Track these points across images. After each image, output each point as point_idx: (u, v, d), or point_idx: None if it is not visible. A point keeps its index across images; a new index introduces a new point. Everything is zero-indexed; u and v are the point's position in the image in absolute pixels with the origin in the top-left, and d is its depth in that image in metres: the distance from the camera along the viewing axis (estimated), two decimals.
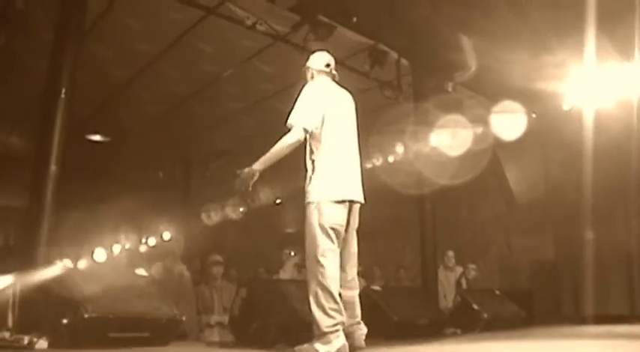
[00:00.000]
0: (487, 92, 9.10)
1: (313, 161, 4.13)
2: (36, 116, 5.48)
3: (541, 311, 9.31)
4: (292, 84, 8.47)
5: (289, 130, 4.05)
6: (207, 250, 8.34)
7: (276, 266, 8.85)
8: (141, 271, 5.27)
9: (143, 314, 4.49)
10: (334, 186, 4.05)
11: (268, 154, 4.02)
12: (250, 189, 4.01)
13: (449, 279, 9.36)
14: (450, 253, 9.55)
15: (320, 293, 3.86)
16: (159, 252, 7.34)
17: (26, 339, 3.98)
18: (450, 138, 9.11)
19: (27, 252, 5.00)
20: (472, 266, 9.68)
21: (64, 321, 4.09)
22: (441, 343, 4.96)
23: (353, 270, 4.19)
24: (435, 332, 6.42)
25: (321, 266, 3.91)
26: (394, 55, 7.94)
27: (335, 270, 3.95)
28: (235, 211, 11.97)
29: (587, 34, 7.13)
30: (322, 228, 3.96)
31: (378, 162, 10.37)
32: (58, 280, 4.45)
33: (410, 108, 8.25)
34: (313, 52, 4.59)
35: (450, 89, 8.20)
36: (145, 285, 5.03)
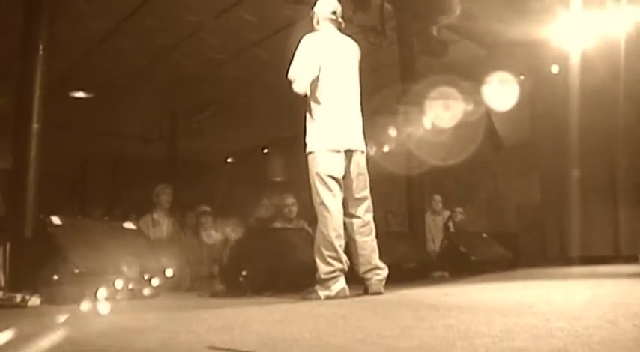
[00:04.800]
0: (472, 36, 9.01)
1: (309, 111, 4.21)
2: (16, 74, 5.40)
3: (527, 253, 9.45)
4: (275, 32, 8.49)
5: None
6: (196, 201, 8.38)
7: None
8: (129, 224, 5.28)
9: (133, 266, 4.52)
10: (329, 135, 4.12)
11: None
12: None
13: (436, 223, 9.45)
14: (438, 197, 9.62)
15: (320, 240, 4.01)
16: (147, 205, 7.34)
17: (19, 297, 4.00)
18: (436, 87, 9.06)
19: (15, 211, 5.01)
20: (459, 210, 9.78)
21: (55, 277, 4.12)
22: (429, 286, 5.04)
23: (365, 216, 4.26)
24: (422, 276, 6.52)
25: (321, 215, 4.06)
26: None
27: (334, 219, 4.04)
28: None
29: None
30: (319, 177, 4.08)
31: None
32: (47, 237, 4.46)
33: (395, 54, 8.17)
34: None
35: (434, 33, 8.10)
36: (134, 238, 5.06)
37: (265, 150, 14.59)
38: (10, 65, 5.48)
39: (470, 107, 9.86)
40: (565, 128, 8.84)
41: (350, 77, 4.36)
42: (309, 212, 8.39)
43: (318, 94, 4.16)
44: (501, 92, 9.35)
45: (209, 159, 15.01)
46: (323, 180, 4.06)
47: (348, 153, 4.18)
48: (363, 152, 4.31)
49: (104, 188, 14.51)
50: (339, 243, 4.02)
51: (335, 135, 4.13)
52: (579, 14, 7.72)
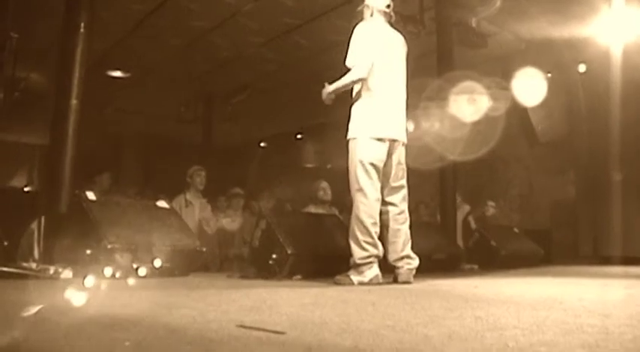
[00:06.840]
0: (512, 28, 8.87)
1: (358, 98, 4.29)
2: (56, 52, 5.50)
3: (559, 250, 9.33)
4: (313, 18, 8.48)
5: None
6: (229, 183, 8.43)
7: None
8: (162, 203, 5.34)
9: (165, 245, 4.58)
10: (376, 123, 4.21)
11: (336, 85, 4.29)
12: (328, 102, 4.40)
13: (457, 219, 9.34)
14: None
15: (355, 226, 4.08)
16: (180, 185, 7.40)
17: (52, 269, 4.08)
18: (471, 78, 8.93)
19: (51, 186, 5.10)
20: (491, 203, 9.66)
21: (88, 252, 4.19)
22: (458, 278, 5.02)
23: (401, 204, 4.36)
24: (452, 268, 6.50)
25: (358, 200, 4.12)
26: None
27: (371, 206, 4.11)
28: None
29: None
30: (361, 163, 4.15)
31: None
32: (81, 212, 4.53)
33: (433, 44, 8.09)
34: None
35: (473, 24, 8.00)
36: (166, 217, 5.12)
37: (299, 136, 14.61)
38: (52, 43, 5.57)
39: (505, 100, 9.70)
40: (604, 126, 8.67)
41: (400, 69, 4.47)
42: (340, 199, 8.42)
43: (370, 82, 4.24)
44: (536, 86, 9.20)
45: (242, 142, 15.09)
46: (364, 167, 4.14)
47: (392, 143, 4.27)
48: (404, 144, 4.40)
49: (138, 167, 14.69)
50: (375, 230, 4.10)
51: (382, 124, 4.22)
52: (621, 10, 7.56)
